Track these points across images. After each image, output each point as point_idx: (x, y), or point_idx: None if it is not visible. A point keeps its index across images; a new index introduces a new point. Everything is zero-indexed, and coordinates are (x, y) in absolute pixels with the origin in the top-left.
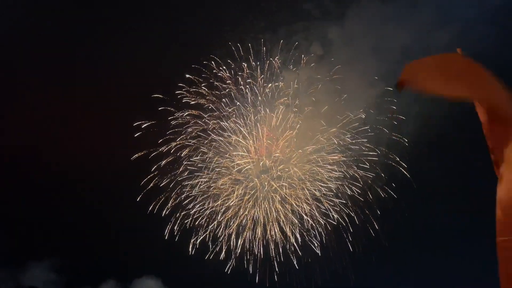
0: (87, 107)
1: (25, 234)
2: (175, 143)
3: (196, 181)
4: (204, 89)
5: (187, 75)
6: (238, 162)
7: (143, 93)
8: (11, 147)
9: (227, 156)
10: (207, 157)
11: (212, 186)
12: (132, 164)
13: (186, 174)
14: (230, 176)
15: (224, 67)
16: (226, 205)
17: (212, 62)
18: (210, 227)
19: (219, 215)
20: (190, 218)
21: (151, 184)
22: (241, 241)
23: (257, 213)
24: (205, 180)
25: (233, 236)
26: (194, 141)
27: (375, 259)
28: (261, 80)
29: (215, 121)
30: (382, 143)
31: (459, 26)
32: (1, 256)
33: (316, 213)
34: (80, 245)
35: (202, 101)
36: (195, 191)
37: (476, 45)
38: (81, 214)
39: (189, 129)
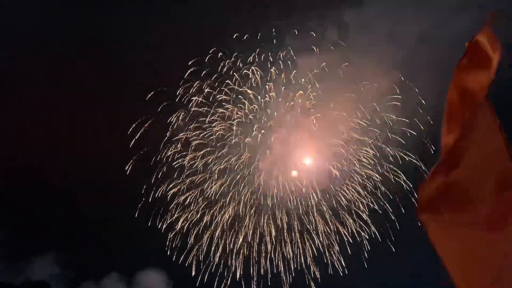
0: (91, 105)
1: (29, 229)
2: (183, 136)
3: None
4: (211, 83)
5: (194, 68)
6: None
7: (147, 89)
8: (16, 148)
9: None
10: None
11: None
12: (136, 164)
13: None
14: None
15: (234, 59)
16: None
17: (220, 54)
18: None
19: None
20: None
21: (156, 182)
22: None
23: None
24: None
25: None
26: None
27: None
28: (275, 71)
29: (222, 122)
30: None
31: (477, 13)
32: (6, 251)
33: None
34: (84, 239)
35: (209, 94)
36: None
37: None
38: (85, 209)
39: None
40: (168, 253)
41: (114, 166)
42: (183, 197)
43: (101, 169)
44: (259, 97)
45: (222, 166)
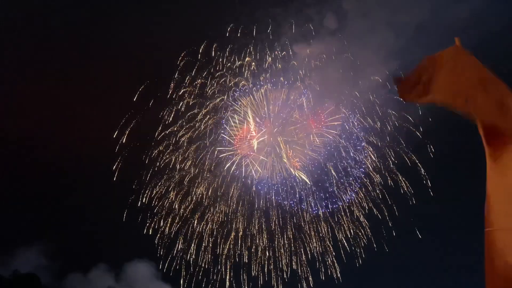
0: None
1: (16, 221)
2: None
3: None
4: (205, 75)
5: (187, 58)
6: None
7: (138, 82)
8: (2, 142)
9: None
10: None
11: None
12: (126, 159)
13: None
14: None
15: (229, 50)
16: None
17: (215, 45)
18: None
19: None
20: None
21: (147, 177)
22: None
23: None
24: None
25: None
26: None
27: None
28: (271, 61)
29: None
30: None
31: (478, 2)
32: None
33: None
34: (72, 231)
35: (203, 86)
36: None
37: (495, 22)
38: (73, 201)
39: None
40: (159, 250)
41: (105, 160)
42: (172, 195)
43: (90, 163)
44: (254, 88)
45: (214, 163)
